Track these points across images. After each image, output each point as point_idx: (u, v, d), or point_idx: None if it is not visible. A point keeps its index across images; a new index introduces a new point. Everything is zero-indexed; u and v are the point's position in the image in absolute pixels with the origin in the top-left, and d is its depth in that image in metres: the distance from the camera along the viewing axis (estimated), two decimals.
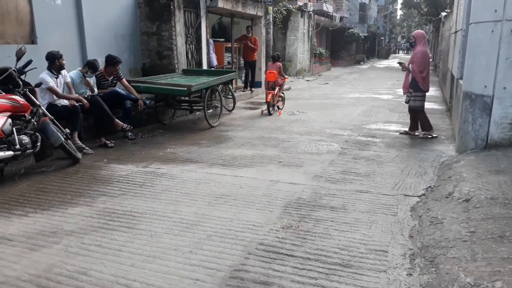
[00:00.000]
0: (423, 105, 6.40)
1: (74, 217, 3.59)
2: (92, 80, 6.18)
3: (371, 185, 4.33)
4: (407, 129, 6.84)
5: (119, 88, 6.51)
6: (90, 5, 7.15)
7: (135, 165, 5.10)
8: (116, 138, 6.41)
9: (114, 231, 3.33)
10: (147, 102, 6.72)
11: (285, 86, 14.14)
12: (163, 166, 5.08)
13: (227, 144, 6.18)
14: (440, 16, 18.63)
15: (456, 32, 7.91)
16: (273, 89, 8.84)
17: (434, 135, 6.38)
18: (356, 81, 17.98)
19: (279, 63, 8.99)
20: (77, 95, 5.85)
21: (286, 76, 9.28)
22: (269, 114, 8.77)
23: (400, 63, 6.57)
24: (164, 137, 6.67)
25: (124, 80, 6.60)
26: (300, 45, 19.14)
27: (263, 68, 12.07)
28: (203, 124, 7.65)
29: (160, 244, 3.11)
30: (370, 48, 43.75)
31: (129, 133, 6.48)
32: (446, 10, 16.30)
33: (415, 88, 6.31)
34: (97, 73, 6.31)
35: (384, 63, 35.20)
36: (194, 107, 7.75)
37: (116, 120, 6.06)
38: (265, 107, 9.31)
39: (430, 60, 6.43)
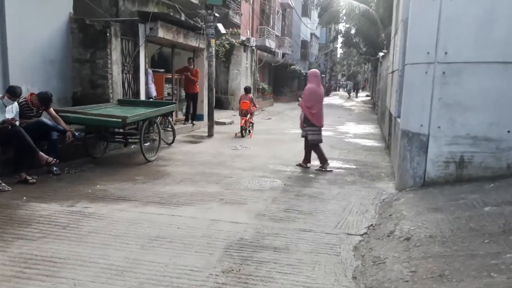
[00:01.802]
0: (319, 139, 6.98)
1: None
2: (14, 108, 5.80)
3: (314, 224, 4.38)
4: (317, 162, 7.26)
5: (45, 119, 6.19)
6: (16, 28, 6.83)
7: (59, 204, 4.77)
8: (39, 174, 5.99)
9: (31, 281, 3.05)
10: (77, 133, 6.41)
11: (227, 120, 14.33)
12: (91, 205, 4.81)
13: (165, 180, 6.04)
14: (378, 56, 20.11)
15: (393, 71, 8.54)
16: (246, 115, 11.04)
17: (328, 169, 6.90)
18: (298, 117, 18.61)
19: (250, 95, 11.31)
20: None
21: (257, 106, 11.83)
22: (242, 136, 10.87)
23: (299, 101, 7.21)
24: (94, 172, 6.38)
25: (51, 109, 6.27)
26: (243, 79, 19.57)
27: (206, 101, 12.12)
28: (139, 158, 7.45)
29: None
30: None
31: (54, 168, 6.10)
32: (383, 51, 17.64)
33: (308, 123, 6.97)
34: (20, 101, 5.96)
35: (325, 100, 36.92)
36: (130, 140, 7.57)
37: (40, 153, 5.69)
38: (238, 130, 11.32)
39: (323, 97, 7.12)
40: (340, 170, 7.14)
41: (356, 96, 42.17)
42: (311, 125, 6.99)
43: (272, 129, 13.01)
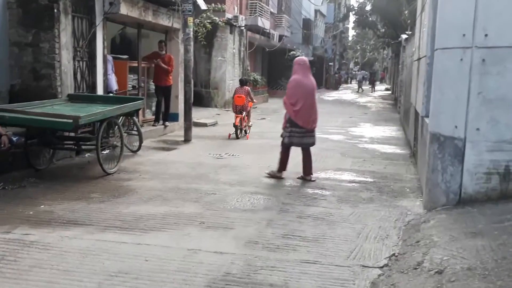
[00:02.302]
0: (301, 142, 7.27)
1: None
2: None
3: (320, 253, 4.38)
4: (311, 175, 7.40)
5: None
6: None
7: None
8: None
9: None
10: (14, 139, 6.36)
11: (209, 121, 14.33)
12: (34, 231, 4.76)
13: (129, 198, 6.02)
14: (400, 39, 20.28)
15: (419, 59, 8.60)
16: (241, 113, 11.54)
17: (278, 175, 7.33)
18: None
19: (247, 87, 11.80)
20: None
21: (254, 101, 12.22)
22: (237, 137, 11.34)
23: None
24: (37, 189, 6.33)
25: None
26: (229, 68, 19.63)
27: (181, 96, 12.11)
28: (95, 170, 7.42)
29: None
30: (317, 75, 45.89)
31: None
32: (406, 32, 17.80)
33: (291, 123, 7.21)
34: None
35: (333, 95, 37.14)
36: (83, 147, 7.56)
37: None
38: (232, 130, 11.61)
39: (314, 91, 7.34)
40: (354, 184, 7.17)
41: (373, 90, 42.23)
42: (295, 126, 7.20)
43: (267, 131, 13.07)
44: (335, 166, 8.46)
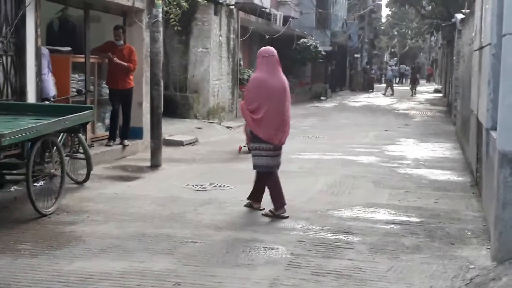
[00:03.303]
0: (272, 164, 7.52)
1: None
2: None
3: None
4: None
5: None
6: None
7: None
8: None
9: None
10: None
11: (187, 138, 14.33)
12: None
13: (72, 250, 5.98)
14: (454, 20, 20.35)
15: (481, 48, 8.63)
16: None
17: (285, 215, 7.45)
18: (314, 130, 18.72)
19: None
20: None
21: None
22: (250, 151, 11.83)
23: None
24: None
25: None
26: (214, 63, 19.66)
27: (147, 104, 12.12)
28: (25, 210, 7.38)
29: None
30: (337, 72, 46.38)
31: None
32: (463, 10, 17.81)
33: (254, 138, 7.51)
34: None
35: (361, 99, 37.29)
36: (7, 177, 7.57)
37: None
38: (243, 143, 11.26)
39: (284, 93, 7.60)
40: (392, 226, 7.15)
41: (413, 93, 41.73)
42: (258, 141, 7.46)
43: None
44: (365, 201, 8.43)
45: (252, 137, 7.52)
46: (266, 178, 7.60)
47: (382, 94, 41.72)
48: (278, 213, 7.44)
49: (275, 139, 7.43)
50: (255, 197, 7.79)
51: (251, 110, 7.43)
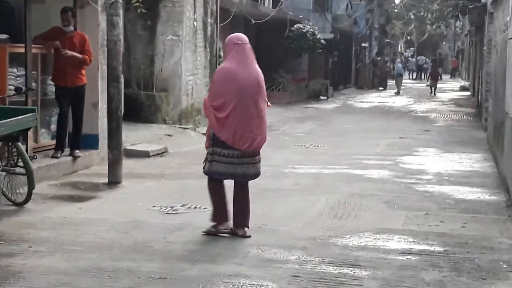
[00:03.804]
0: (234, 172, 7.66)
1: None
2: None
3: None
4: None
5: None
6: None
7: None
8: None
9: None
10: None
11: (154, 148, 14.31)
12: None
13: None
14: (484, 1, 20.47)
15: None
16: None
17: (226, 230, 7.76)
18: (312, 137, 18.78)
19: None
20: None
21: (268, 103, 13.76)
22: None
23: None
24: None
25: None
26: (187, 54, 19.63)
27: (103, 104, 12.07)
28: None
29: None
30: (341, 65, 46.39)
31: None
32: None
33: (215, 140, 7.67)
34: None
35: (370, 98, 37.38)
36: None
37: None
38: None
39: (257, 87, 7.80)
40: (410, 257, 7.18)
41: (433, 92, 41.47)
42: (219, 144, 7.59)
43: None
44: (376, 226, 8.44)
45: (213, 139, 7.65)
46: (213, 185, 7.80)
47: (395, 93, 41.74)
48: (219, 228, 7.70)
49: (241, 144, 7.51)
50: (217, 215, 7.83)
51: (215, 107, 7.58)
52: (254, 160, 7.67)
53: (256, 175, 7.78)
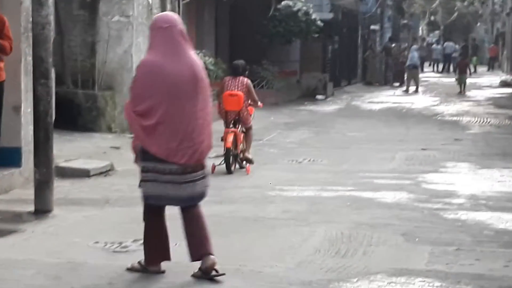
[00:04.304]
0: (174, 195, 7.67)
1: None
2: None
3: None
4: None
5: None
6: None
7: None
8: None
9: None
10: None
11: (98, 165, 14.27)
12: None
13: None
14: None
15: None
16: (236, 124, 14.26)
17: (152, 269, 7.88)
18: (307, 149, 18.97)
19: (244, 79, 14.34)
20: None
21: (259, 103, 14.67)
22: (229, 171, 13.86)
23: None
24: None
25: None
26: (140, 41, 19.67)
27: (28, 108, 12.05)
28: None
29: None
30: (343, 55, 46.52)
31: None
32: None
33: (146, 155, 7.70)
34: None
35: (383, 97, 37.63)
36: None
37: None
38: (218, 160, 13.88)
39: (192, 85, 7.73)
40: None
41: (462, 89, 41.49)
42: (151, 159, 7.60)
43: (237, 186, 13.18)
44: (391, 265, 8.46)
45: (142, 154, 7.65)
46: (149, 214, 7.84)
47: (403, 91, 41.93)
48: (150, 268, 7.81)
49: (179, 157, 7.44)
50: (151, 254, 7.88)
51: (139, 113, 7.52)
52: (198, 176, 7.61)
53: (203, 194, 7.76)
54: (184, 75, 7.49)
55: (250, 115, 14.63)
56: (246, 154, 14.48)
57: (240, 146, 14.16)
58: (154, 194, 7.57)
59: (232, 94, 13.81)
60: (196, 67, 7.66)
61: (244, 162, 14.37)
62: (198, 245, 7.60)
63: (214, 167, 13.55)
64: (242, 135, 14.27)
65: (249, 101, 14.32)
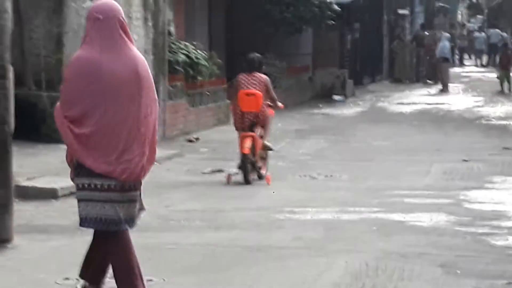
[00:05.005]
0: (115, 217, 7.62)
1: None
2: None
3: None
4: None
5: None
6: None
7: None
8: None
9: None
10: None
11: (71, 183, 14.31)
12: None
13: None
14: None
15: None
16: (252, 127, 14.10)
17: None
18: (322, 161, 19.09)
19: (263, 76, 14.75)
20: None
21: (279, 104, 15.41)
22: (246, 182, 13.93)
23: None
24: None
25: None
26: None
27: None
28: None
29: None
30: (366, 46, 46.57)
31: None
32: None
33: (81, 168, 7.70)
34: None
35: (415, 98, 37.79)
36: None
37: None
38: (234, 169, 13.89)
39: (142, 84, 7.64)
40: None
41: (506, 88, 41.38)
42: (86, 174, 7.57)
43: (238, 208, 13.21)
44: None
45: (76, 167, 7.64)
46: (108, 244, 7.74)
47: (440, 90, 41.94)
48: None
49: (120, 171, 7.39)
50: (91, 274, 8.05)
51: (71, 119, 7.46)
52: (135, 197, 7.64)
53: (134, 220, 7.73)
54: (125, 74, 7.43)
55: (269, 116, 14.98)
56: (261, 163, 14.83)
57: (258, 153, 14.50)
58: (89, 216, 7.55)
59: (249, 93, 14.18)
60: (140, 64, 7.59)
61: (264, 172, 14.67)
62: (127, 280, 7.64)
63: (229, 177, 14.00)
64: (260, 141, 14.52)
65: (267, 101, 14.73)
